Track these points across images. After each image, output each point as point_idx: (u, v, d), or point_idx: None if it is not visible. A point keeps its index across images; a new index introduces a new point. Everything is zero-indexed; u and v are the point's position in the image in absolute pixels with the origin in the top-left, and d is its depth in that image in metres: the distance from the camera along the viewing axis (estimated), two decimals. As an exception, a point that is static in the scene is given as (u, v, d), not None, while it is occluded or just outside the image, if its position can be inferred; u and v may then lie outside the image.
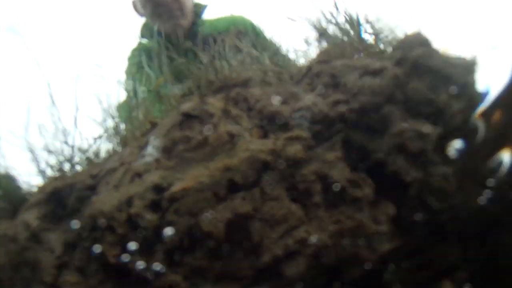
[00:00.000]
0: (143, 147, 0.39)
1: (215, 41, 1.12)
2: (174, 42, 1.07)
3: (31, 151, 0.48)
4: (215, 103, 0.38)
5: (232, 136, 0.34)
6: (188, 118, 0.37)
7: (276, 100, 0.38)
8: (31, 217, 0.37)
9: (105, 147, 0.51)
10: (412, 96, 0.38)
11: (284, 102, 0.39)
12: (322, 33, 0.56)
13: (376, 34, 0.52)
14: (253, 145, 0.33)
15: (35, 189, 0.45)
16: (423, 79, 0.41)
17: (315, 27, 0.56)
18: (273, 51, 0.99)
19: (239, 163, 0.32)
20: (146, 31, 1.15)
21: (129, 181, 0.34)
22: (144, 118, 0.49)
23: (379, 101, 0.37)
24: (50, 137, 0.49)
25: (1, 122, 0.52)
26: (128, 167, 0.36)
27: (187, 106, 0.37)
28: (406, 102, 0.38)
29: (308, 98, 0.39)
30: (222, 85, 0.41)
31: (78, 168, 0.48)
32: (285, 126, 0.36)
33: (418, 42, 0.44)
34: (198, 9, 1.17)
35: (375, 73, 0.40)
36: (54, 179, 0.41)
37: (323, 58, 0.44)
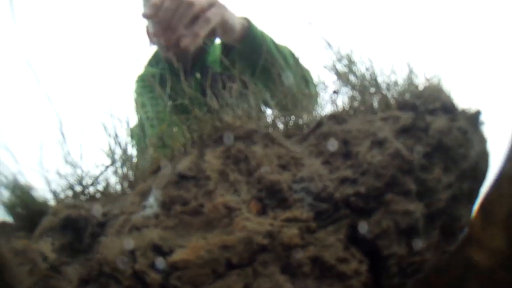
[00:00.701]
0: (146, 194, 0.37)
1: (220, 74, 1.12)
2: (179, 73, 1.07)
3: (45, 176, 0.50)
4: (213, 161, 0.36)
5: (229, 209, 0.33)
6: (183, 178, 0.35)
7: (276, 166, 0.36)
8: (47, 248, 0.38)
9: (115, 177, 0.51)
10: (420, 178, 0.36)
11: (285, 167, 0.37)
12: (339, 78, 0.55)
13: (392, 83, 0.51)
14: (250, 224, 0.32)
15: (49, 203, 0.47)
16: (434, 159, 0.39)
17: (333, 70, 0.56)
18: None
19: (236, 243, 0.30)
20: (154, 59, 1.14)
21: (128, 231, 0.33)
22: (151, 158, 0.47)
23: (381, 186, 0.35)
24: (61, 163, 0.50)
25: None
26: (127, 217, 0.35)
27: (183, 166, 0.36)
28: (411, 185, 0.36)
29: (312, 167, 0.37)
30: (224, 135, 0.40)
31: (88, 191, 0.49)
32: (284, 201, 0.34)
33: (438, 103, 0.42)
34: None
35: (381, 143, 0.38)
36: (67, 206, 0.41)
37: (336, 114, 0.42)
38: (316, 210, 0.35)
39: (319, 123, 0.41)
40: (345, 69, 0.54)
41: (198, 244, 0.32)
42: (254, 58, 0.62)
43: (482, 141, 0.43)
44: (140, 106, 0.94)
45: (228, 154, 0.38)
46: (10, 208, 0.48)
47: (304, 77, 0.85)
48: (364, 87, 0.49)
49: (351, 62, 0.54)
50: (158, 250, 0.32)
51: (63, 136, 0.53)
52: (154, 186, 0.37)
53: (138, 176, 0.47)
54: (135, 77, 1.19)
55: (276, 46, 0.76)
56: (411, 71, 0.52)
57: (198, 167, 0.36)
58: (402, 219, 0.35)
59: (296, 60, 0.92)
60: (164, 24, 0.54)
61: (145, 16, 0.54)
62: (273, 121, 0.44)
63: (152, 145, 0.51)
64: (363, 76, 0.52)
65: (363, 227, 0.35)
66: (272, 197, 0.35)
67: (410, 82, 0.48)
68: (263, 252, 0.32)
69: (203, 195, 0.34)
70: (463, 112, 0.44)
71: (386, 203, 0.36)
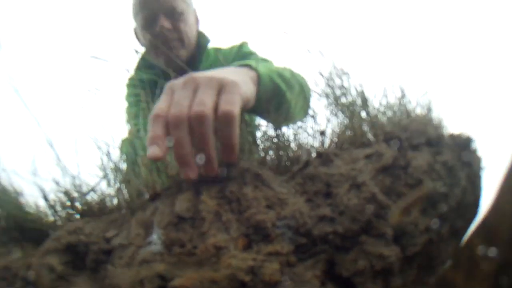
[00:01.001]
0: (148, 227, 0.43)
1: None
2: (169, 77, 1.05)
3: (40, 189, 0.52)
4: (209, 202, 0.41)
5: (218, 248, 0.38)
6: (181, 220, 0.40)
7: (264, 207, 0.41)
8: (54, 261, 0.43)
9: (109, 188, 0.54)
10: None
11: (271, 207, 0.41)
12: (332, 103, 0.56)
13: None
14: (235, 261, 0.37)
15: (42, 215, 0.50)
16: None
17: (325, 95, 0.57)
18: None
19: (222, 279, 0.36)
20: (143, 62, 1.12)
21: (138, 264, 0.40)
22: (145, 180, 0.49)
23: (356, 228, 0.38)
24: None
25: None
26: (136, 251, 0.41)
27: (181, 206, 0.41)
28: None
29: (295, 206, 0.41)
30: (219, 174, 0.45)
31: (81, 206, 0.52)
32: (267, 237, 0.39)
33: (423, 138, 0.43)
34: (202, 40, 1.11)
35: (359, 186, 0.41)
36: (68, 232, 0.46)
37: (323, 153, 0.45)
38: (296, 244, 0.40)
39: (307, 163, 0.44)
40: (337, 94, 0.55)
41: (193, 275, 0.38)
42: (269, 101, 0.54)
43: (471, 170, 0.43)
44: (130, 117, 0.96)
45: (222, 194, 0.43)
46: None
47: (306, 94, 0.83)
48: (354, 113, 0.51)
49: (343, 88, 0.55)
50: (162, 278, 0.39)
51: (51, 145, 0.54)
52: (155, 223, 0.42)
53: (133, 194, 0.50)
54: (125, 81, 1.19)
55: (285, 77, 0.67)
56: (402, 95, 0.52)
57: (195, 208, 0.41)
58: (377, 261, 0.38)
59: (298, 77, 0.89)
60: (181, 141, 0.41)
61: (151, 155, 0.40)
62: (264, 156, 0.47)
63: (145, 165, 0.50)
64: (354, 102, 0.52)
65: (340, 265, 0.39)
66: (257, 233, 0.40)
67: (400, 109, 0.49)
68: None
69: (198, 236, 0.40)
70: (451, 140, 0.44)
71: (362, 244, 0.39)
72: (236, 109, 0.39)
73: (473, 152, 0.43)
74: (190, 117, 0.40)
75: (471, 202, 0.43)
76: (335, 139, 0.48)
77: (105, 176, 0.55)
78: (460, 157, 0.43)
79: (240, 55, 1.07)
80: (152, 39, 1.03)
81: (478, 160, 0.44)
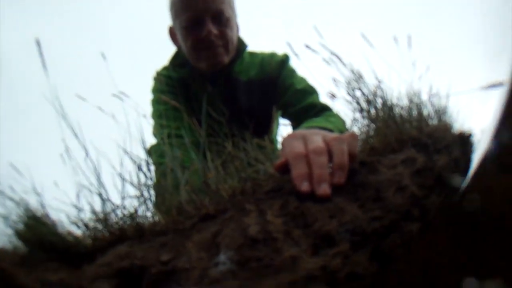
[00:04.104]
0: (211, 250, 0.48)
1: (247, 87, 1.14)
2: (196, 83, 1.07)
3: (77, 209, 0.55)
4: (275, 221, 0.49)
5: (293, 258, 0.46)
6: (255, 241, 0.47)
7: (327, 217, 0.50)
8: (106, 286, 0.47)
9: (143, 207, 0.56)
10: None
11: (333, 216, 0.51)
12: (365, 116, 0.66)
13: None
14: (309, 264, 0.46)
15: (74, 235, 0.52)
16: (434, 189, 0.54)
17: (357, 107, 0.67)
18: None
19: (299, 279, 0.45)
20: (174, 61, 1.14)
21: (209, 284, 0.46)
22: (191, 200, 0.53)
23: (397, 218, 0.50)
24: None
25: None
26: (203, 273, 0.47)
27: (253, 230, 0.48)
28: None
29: (351, 212, 0.51)
30: (276, 189, 0.52)
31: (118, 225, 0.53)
32: (332, 242, 0.48)
33: (444, 143, 0.56)
34: (241, 46, 1.13)
35: (402, 188, 0.53)
36: (119, 257, 0.49)
37: (366, 161, 0.55)
38: (352, 241, 0.50)
39: (354, 171, 0.54)
40: (365, 104, 0.65)
41: (271, 283, 0.46)
42: None
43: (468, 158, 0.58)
44: (158, 128, 0.96)
45: (286, 211, 0.50)
46: (24, 237, 0.50)
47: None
48: (383, 121, 0.62)
49: (374, 95, 0.65)
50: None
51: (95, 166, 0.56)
52: (223, 245, 0.47)
53: (172, 211, 0.52)
54: (153, 74, 1.15)
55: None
56: (420, 103, 0.64)
57: (265, 229, 0.49)
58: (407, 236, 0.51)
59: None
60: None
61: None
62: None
63: (191, 185, 0.56)
64: (382, 110, 0.63)
65: (383, 246, 0.50)
66: (324, 241, 0.49)
67: (421, 117, 0.61)
68: (317, 281, 0.46)
69: (273, 252, 0.47)
70: (459, 139, 0.58)
71: (400, 227, 0.51)
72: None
73: (472, 144, 0.58)
74: (329, 142, 0.51)
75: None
76: (370, 146, 0.59)
77: (141, 196, 0.58)
78: (464, 151, 0.57)
79: (284, 74, 1.12)
80: (195, 43, 1.03)
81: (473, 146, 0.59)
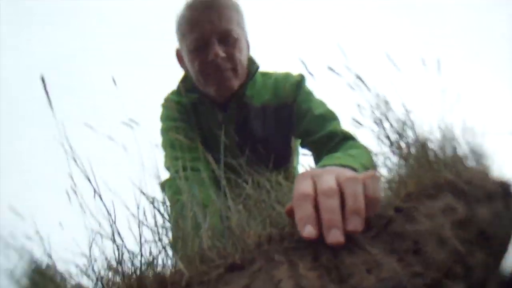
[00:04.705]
0: None
1: (261, 113, 1.10)
2: (206, 109, 1.02)
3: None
4: (309, 275, 0.46)
5: None
6: None
7: (364, 271, 0.48)
8: None
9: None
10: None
11: (369, 271, 0.48)
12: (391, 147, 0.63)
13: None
14: None
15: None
16: (475, 244, 0.52)
17: (385, 139, 0.63)
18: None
19: None
20: (183, 85, 1.08)
21: None
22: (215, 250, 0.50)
23: (440, 276, 0.48)
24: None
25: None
26: None
27: (286, 285, 0.44)
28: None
29: (390, 267, 0.49)
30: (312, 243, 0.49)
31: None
32: None
33: (483, 191, 0.54)
34: (252, 67, 1.07)
35: (443, 241, 0.50)
36: None
37: (402, 208, 0.52)
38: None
39: (389, 220, 0.52)
40: (396, 136, 0.62)
41: None
42: None
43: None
44: (171, 159, 0.90)
45: (318, 263, 0.48)
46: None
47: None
48: (416, 159, 0.59)
49: (403, 126, 0.62)
50: None
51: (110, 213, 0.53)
52: None
53: (194, 259, 0.48)
54: (162, 101, 1.10)
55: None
56: (453, 139, 0.62)
57: (299, 284, 0.46)
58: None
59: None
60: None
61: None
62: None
63: (213, 229, 0.52)
64: (414, 145, 0.60)
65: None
66: None
67: (456, 158, 0.59)
68: None
69: None
70: (500, 189, 0.56)
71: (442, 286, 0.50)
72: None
73: None
74: (342, 183, 0.44)
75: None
76: (404, 190, 0.56)
77: (160, 240, 0.54)
78: (507, 203, 0.56)
79: (300, 97, 1.06)
80: (202, 67, 0.98)
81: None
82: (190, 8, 0.97)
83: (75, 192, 0.53)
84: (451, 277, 0.48)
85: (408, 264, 0.50)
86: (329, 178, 0.46)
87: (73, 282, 0.49)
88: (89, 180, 0.51)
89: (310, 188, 0.45)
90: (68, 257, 0.52)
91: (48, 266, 0.50)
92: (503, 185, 0.55)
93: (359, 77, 0.73)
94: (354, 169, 0.65)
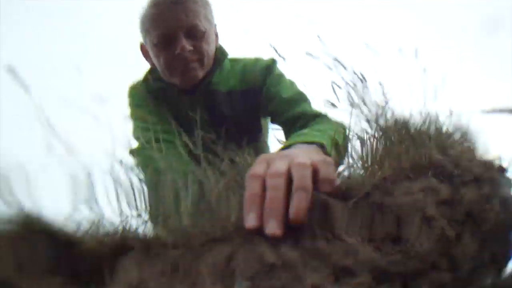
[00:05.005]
0: (225, 279, 0.40)
1: (227, 98, 1.08)
2: (174, 96, 1.03)
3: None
4: (289, 254, 0.41)
5: (316, 286, 0.39)
6: (272, 267, 0.40)
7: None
8: None
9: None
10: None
11: (347, 254, 0.42)
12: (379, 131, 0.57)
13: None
14: None
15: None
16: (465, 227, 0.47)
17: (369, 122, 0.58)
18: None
19: None
20: (151, 75, 1.08)
21: None
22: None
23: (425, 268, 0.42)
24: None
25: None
26: None
27: (269, 256, 0.40)
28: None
29: (368, 255, 0.42)
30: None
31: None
32: (352, 273, 0.42)
33: (471, 175, 0.50)
34: (220, 55, 1.08)
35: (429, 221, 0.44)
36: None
37: (380, 185, 0.47)
38: (374, 276, 0.43)
39: (368, 193, 0.46)
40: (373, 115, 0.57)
41: None
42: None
43: (504, 196, 0.52)
44: (142, 130, 0.87)
45: (300, 245, 0.42)
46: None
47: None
48: (396, 132, 0.53)
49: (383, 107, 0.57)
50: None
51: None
52: (238, 274, 0.40)
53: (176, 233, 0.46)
54: (127, 90, 1.09)
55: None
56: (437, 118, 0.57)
57: (283, 256, 0.41)
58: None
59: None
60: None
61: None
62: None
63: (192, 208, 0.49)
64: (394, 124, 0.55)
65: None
66: (343, 272, 0.42)
67: (440, 132, 0.54)
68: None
69: (293, 280, 0.39)
70: (488, 173, 0.51)
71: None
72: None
73: (505, 179, 0.52)
74: (291, 167, 0.44)
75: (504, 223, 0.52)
76: (379, 172, 0.51)
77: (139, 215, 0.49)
78: (495, 187, 0.51)
79: (269, 81, 1.05)
80: (167, 60, 0.98)
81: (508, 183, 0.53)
82: (155, 5, 0.97)
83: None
84: (437, 268, 0.42)
85: (386, 253, 0.44)
86: (281, 162, 0.47)
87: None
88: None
89: (262, 170, 0.46)
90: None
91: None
92: (490, 166, 0.51)
93: (336, 59, 0.68)
94: (322, 145, 0.64)
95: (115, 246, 0.46)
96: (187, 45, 0.94)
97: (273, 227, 0.42)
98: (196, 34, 0.96)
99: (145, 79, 1.08)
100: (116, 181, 0.51)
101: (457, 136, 0.56)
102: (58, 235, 0.44)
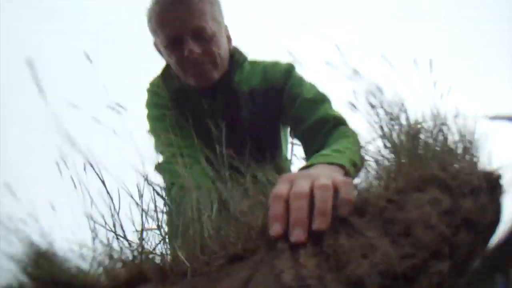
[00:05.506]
0: None
1: (249, 98, 1.10)
2: (195, 96, 1.04)
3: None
4: (309, 264, 0.49)
5: None
6: None
7: (360, 257, 0.51)
8: None
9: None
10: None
11: (365, 256, 0.52)
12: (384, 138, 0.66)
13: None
14: None
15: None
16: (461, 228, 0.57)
17: (382, 134, 0.67)
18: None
19: None
20: (167, 73, 1.08)
21: None
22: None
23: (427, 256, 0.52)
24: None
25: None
26: None
27: (288, 277, 0.47)
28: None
29: (383, 249, 0.52)
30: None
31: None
32: (362, 286, 0.49)
33: (469, 187, 0.59)
34: (239, 57, 1.08)
35: (432, 227, 0.55)
36: None
37: (394, 199, 0.56)
38: (382, 285, 0.52)
39: (383, 208, 0.55)
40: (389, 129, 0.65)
41: None
42: None
43: (496, 205, 0.61)
44: (163, 145, 0.88)
45: (319, 250, 0.50)
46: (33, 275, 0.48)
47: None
48: (407, 152, 0.63)
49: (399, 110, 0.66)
50: None
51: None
52: None
53: (195, 248, 0.50)
54: (146, 87, 1.08)
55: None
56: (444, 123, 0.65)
57: (299, 275, 0.48)
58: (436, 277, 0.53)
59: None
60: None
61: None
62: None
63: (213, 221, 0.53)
64: (406, 135, 0.64)
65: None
66: (355, 286, 0.50)
67: (445, 148, 0.63)
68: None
69: None
70: (486, 182, 0.60)
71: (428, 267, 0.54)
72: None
73: (501, 187, 0.61)
74: (314, 188, 0.49)
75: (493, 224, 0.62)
76: (393, 184, 0.60)
77: (160, 228, 0.55)
78: (492, 196, 0.60)
79: (291, 82, 1.05)
80: (179, 61, 0.97)
81: (502, 191, 0.62)
82: (157, 2, 0.94)
83: (78, 181, 0.53)
84: (438, 257, 0.53)
85: (400, 245, 0.54)
86: (304, 182, 0.51)
87: (73, 266, 0.50)
88: (91, 166, 0.51)
89: (285, 190, 0.50)
90: (65, 238, 0.52)
91: (47, 249, 0.50)
92: (489, 177, 0.60)
93: (355, 70, 0.76)
94: (342, 166, 0.69)
95: (131, 278, 0.48)
96: (195, 48, 0.92)
97: (298, 234, 0.47)
98: (204, 37, 0.94)
99: (163, 76, 1.08)
100: (139, 198, 0.54)
101: (459, 149, 0.65)
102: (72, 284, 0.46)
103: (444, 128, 0.69)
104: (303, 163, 0.78)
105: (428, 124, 0.69)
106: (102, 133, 0.67)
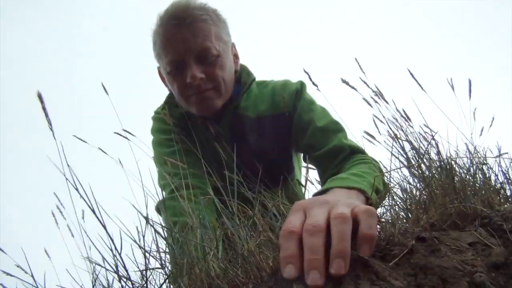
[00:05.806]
0: None
1: (256, 125, 1.05)
2: (199, 122, 1.01)
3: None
4: None
5: None
6: None
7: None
8: None
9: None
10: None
11: None
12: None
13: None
14: None
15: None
16: None
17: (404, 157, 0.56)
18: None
19: None
20: (170, 101, 1.05)
21: None
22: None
23: None
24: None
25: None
26: None
27: None
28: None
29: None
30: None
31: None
32: None
33: None
34: (246, 78, 1.02)
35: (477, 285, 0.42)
36: None
37: (426, 238, 0.45)
38: None
39: (412, 249, 0.43)
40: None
41: None
42: None
43: None
44: (166, 176, 0.84)
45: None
46: None
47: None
48: (441, 184, 0.51)
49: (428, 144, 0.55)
50: None
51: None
52: None
53: None
54: (152, 114, 1.11)
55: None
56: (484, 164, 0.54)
57: None
58: None
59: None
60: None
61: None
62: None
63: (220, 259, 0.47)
64: (437, 169, 0.53)
65: None
66: None
67: (487, 185, 0.51)
68: None
69: None
70: None
71: None
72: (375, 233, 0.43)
73: None
74: (330, 220, 0.42)
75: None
76: (425, 218, 0.48)
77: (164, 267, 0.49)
78: None
79: (301, 107, 1.00)
80: (181, 89, 0.93)
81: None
82: (162, 24, 0.92)
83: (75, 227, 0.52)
84: None
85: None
86: (320, 212, 0.44)
87: None
88: (92, 211, 0.48)
89: (298, 223, 0.44)
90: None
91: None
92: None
93: (377, 91, 0.67)
94: (362, 191, 0.60)
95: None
96: (198, 73, 0.89)
97: (314, 279, 0.39)
98: (208, 58, 0.90)
99: (167, 103, 1.04)
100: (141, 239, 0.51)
101: (507, 187, 0.53)
102: None
103: (484, 167, 0.58)
104: (318, 187, 0.68)
105: (464, 161, 0.58)
106: (107, 162, 0.67)
